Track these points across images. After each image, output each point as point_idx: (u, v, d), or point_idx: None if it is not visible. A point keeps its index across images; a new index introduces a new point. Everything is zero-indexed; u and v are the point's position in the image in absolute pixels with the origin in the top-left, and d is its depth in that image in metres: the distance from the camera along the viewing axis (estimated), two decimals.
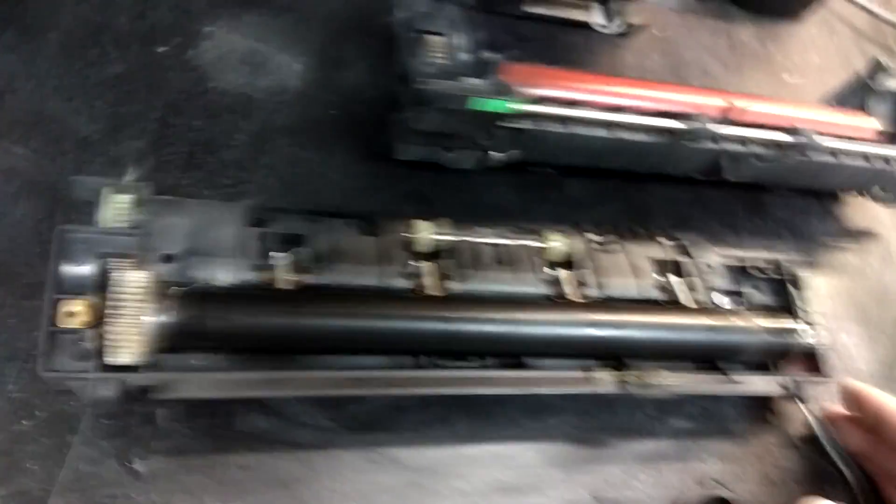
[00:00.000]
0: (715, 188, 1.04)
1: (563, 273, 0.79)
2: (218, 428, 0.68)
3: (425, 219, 0.77)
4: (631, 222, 0.93)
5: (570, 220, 0.90)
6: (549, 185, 0.96)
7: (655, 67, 1.16)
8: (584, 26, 1.14)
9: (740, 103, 0.94)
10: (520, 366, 0.75)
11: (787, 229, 1.07)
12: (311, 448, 0.70)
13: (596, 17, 1.16)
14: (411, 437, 0.74)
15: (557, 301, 0.77)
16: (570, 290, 0.78)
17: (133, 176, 0.77)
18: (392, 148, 0.85)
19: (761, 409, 0.88)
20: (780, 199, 1.08)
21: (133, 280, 0.60)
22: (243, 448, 0.68)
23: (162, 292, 0.62)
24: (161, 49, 0.86)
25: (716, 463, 0.83)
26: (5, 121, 0.76)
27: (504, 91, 0.73)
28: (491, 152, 0.84)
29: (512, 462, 0.76)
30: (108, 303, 0.61)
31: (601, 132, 0.84)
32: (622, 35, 1.16)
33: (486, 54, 0.77)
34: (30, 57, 0.81)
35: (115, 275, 0.60)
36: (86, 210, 0.72)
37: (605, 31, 1.14)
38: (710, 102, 0.94)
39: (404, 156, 0.84)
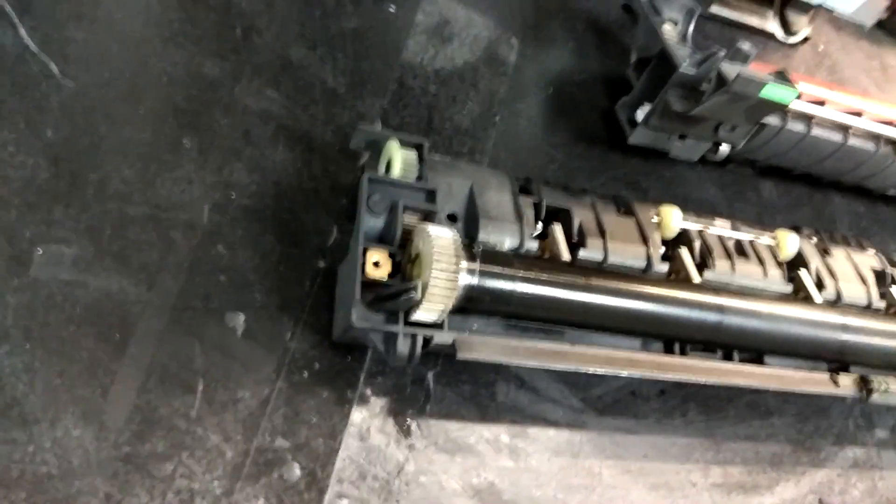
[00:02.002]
0: (889, 204, 1.05)
1: (803, 273, 0.78)
2: (482, 397, 0.66)
3: (671, 205, 0.76)
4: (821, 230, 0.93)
5: (768, 221, 0.90)
6: (748, 184, 0.95)
7: (822, 80, 1.16)
8: (760, 33, 1.14)
9: None
10: (760, 362, 0.74)
11: None
12: (566, 427, 0.68)
13: (771, 26, 1.16)
14: (653, 427, 0.72)
15: (799, 300, 0.76)
16: (810, 291, 0.77)
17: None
18: (624, 131, 0.84)
19: None
20: None
21: (448, 243, 0.57)
22: (506, 419, 0.66)
23: (470, 254, 0.60)
24: (392, 8, 0.84)
25: None
26: (254, 62, 0.73)
27: (791, 83, 0.72)
28: (723, 146, 0.83)
29: (741, 459, 0.75)
30: (418, 258, 0.58)
31: (836, 136, 0.83)
32: (793, 45, 1.16)
33: (745, 45, 0.76)
34: None
35: (432, 237, 0.57)
36: (343, 160, 0.70)
37: (785, 39, 1.13)
38: None
39: (637, 140, 0.83)
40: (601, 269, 0.68)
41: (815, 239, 0.85)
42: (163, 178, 0.63)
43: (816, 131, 0.82)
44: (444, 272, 0.57)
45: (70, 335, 0.55)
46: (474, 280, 0.59)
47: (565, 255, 0.67)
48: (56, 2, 0.66)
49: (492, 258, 0.61)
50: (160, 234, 0.61)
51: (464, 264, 0.58)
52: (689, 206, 0.86)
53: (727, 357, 0.73)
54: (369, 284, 0.58)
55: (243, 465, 0.55)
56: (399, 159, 0.64)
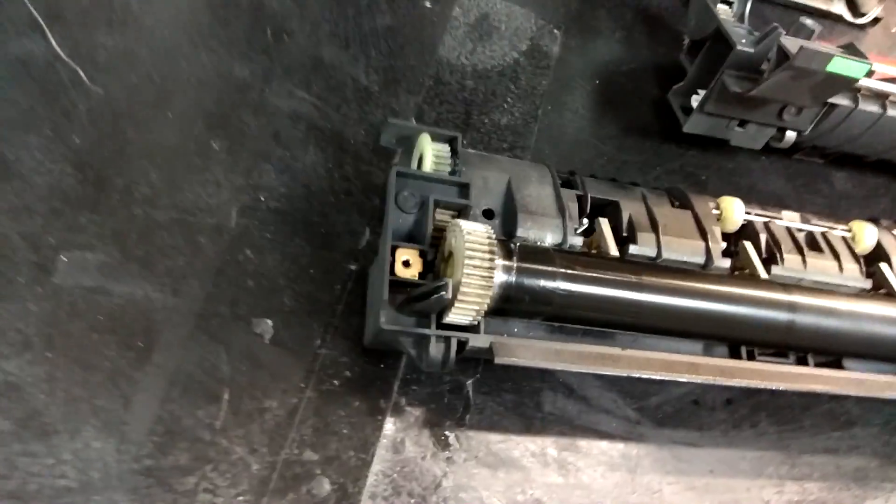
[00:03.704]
0: None
1: (884, 267, 0.70)
2: (527, 407, 0.61)
3: (732, 196, 0.70)
4: None
5: (842, 214, 0.82)
6: (818, 175, 0.88)
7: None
8: (825, 15, 1.06)
9: None
10: (839, 366, 0.67)
11: None
12: (621, 439, 0.63)
13: (836, 7, 1.08)
14: (719, 439, 0.66)
15: (880, 297, 0.69)
16: (893, 286, 0.70)
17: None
18: (666, 112, 0.78)
19: None
20: None
21: (481, 240, 0.53)
22: (554, 432, 0.61)
23: (506, 252, 0.55)
24: (428, 4, 0.81)
25: None
26: (284, 63, 0.71)
27: (861, 54, 0.65)
28: (789, 131, 0.76)
29: (820, 474, 0.67)
30: (450, 256, 0.54)
31: None
32: (863, 27, 1.08)
33: (808, 21, 0.70)
34: None
35: (463, 232, 0.53)
36: (376, 160, 0.67)
37: (854, 20, 1.05)
38: None
39: (692, 128, 0.77)
40: (654, 265, 0.63)
41: None
42: (190, 182, 0.62)
43: (893, 111, 0.74)
44: (478, 269, 0.52)
45: (92, 343, 0.53)
46: (511, 278, 0.54)
47: (613, 251, 0.62)
48: (86, 9, 0.66)
49: (530, 254, 0.57)
50: (187, 238, 0.59)
51: (499, 261, 0.54)
52: (754, 199, 0.80)
53: (801, 361, 0.66)
54: (399, 285, 0.54)
55: (270, 480, 0.52)
56: (430, 153, 0.60)
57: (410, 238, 0.57)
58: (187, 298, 0.57)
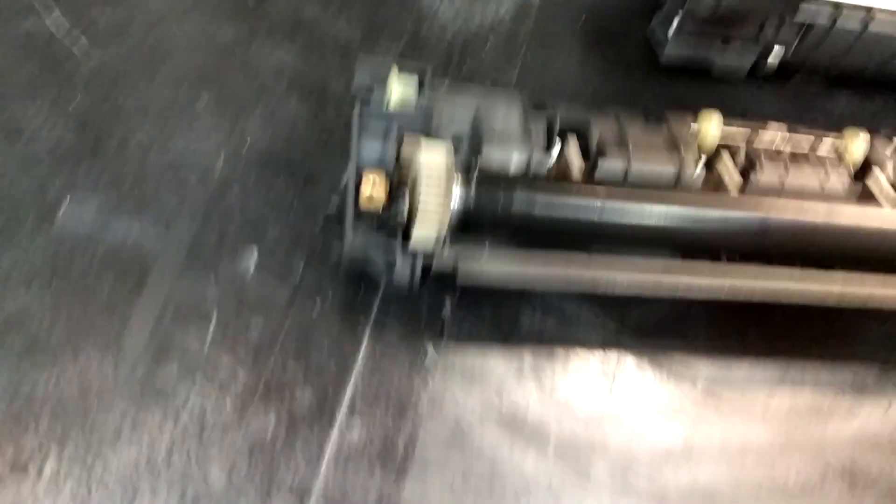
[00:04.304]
0: None
1: (876, 171, 0.69)
2: (504, 322, 0.63)
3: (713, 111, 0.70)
4: None
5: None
6: (818, 97, 0.86)
7: None
8: None
9: None
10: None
11: None
12: (599, 348, 0.64)
13: None
14: (703, 348, 0.66)
15: (870, 203, 0.67)
16: (883, 190, 0.68)
17: None
18: (656, 51, 0.79)
19: None
20: None
21: (439, 157, 0.56)
22: (532, 343, 0.63)
23: (465, 169, 0.58)
24: None
25: None
26: (267, 23, 0.76)
27: None
28: (774, 49, 0.76)
29: (813, 382, 0.67)
30: (411, 174, 0.57)
31: None
32: None
33: None
34: None
35: (422, 151, 0.56)
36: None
37: None
38: None
39: (671, 56, 0.77)
40: (630, 183, 0.63)
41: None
42: (180, 133, 0.67)
43: (878, 28, 0.73)
44: (434, 188, 0.55)
45: (92, 276, 0.58)
46: (471, 196, 0.57)
47: (579, 166, 0.63)
48: None
49: (491, 175, 0.59)
50: (177, 181, 0.64)
51: (457, 179, 0.57)
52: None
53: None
54: (368, 212, 0.57)
55: (255, 388, 0.56)
56: (396, 83, 0.63)
57: (379, 166, 0.60)
58: (178, 233, 0.62)
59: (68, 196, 0.61)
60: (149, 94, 0.68)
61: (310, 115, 0.71)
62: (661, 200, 0.61)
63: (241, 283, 0.60)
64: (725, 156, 0.67)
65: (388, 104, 0.61)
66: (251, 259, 0.62)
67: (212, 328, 0.58)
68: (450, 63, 0.78)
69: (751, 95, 0.85)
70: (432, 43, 0.79)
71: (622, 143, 0.65)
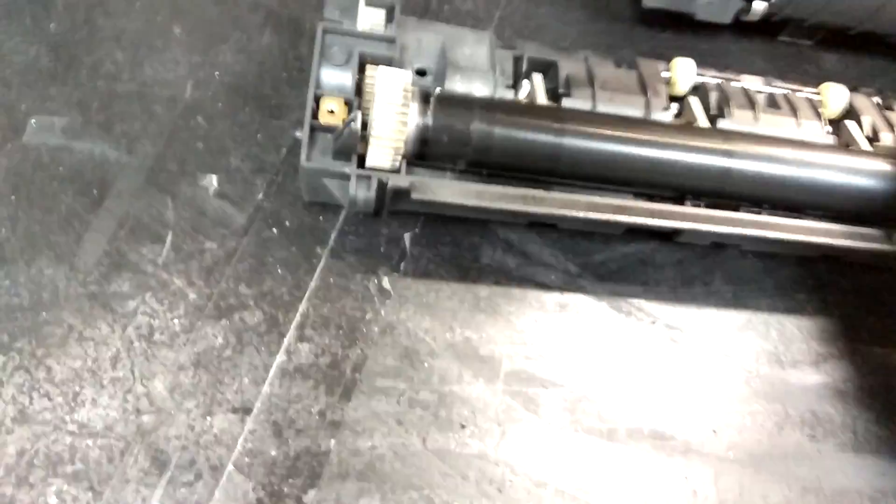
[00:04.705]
0: None
1: (850, 123, 0.68)
2: (464, 259, 0.63)
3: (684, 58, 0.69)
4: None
5: None
6: (805, 57, 0.85)
7: None
8: None
9: None
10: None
11: None
12: (558, 289, 0.63)
13: None
14: (665, 294, 0.65)
15: (849, 149, 0.66)
16: (857, 141, 0.67)
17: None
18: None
19: None
20: None
21: (394, 81, 0.56)
22: (489, 280, 0.62)
23: (423, 95, 0.58)
24: None
25: None
26: None
27: None
28: (756, 1, 0.74)
29: (780, 333, 0.66)
30: (371, 103, 0.57)
31: None
32: None
33: None
34: None
35: (377, 75, 0.56)
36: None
37: None
38: None
39: (653, 1, 0.76)
40: (574, 111, 0.63)
41: (877, 99, 0.73)
42: (151, 61, 0.67)
43: None
44: (390, 105, 0.55)
45: (52, 190, 0.59)
46: (427, 119, 0.57)
47: (542, 102, 0.62)
48: None
49: (448, 98, 0.59)
50: (143, 107, 0.64)
51: (414, 104, 0.56)
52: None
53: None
54: (325, 132, 0.57)
55: (204, 308, 0.56)
56: (363, 14, 0.63)
57: (344, 90, 0.60)
58: (140, 156, 0.62)
59: (35, 115, 0.62)
60: (123, 21, 0.69)
61: (282, 49, 0.71)
62: (619, 130, 0.60)
63: (199, 208, 0.61)
64: (694, 101, 0.66)
65: (348, 28, 0.61)
66: (211, 184, 0.62)
67: (165, 249, 0.58)
68: (428, 8, 0.77)
69: (737, 49, 0.83)
70: None
71: (590, 84, 0.64)
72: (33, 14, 0.67)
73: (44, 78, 0.64)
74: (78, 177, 0.60)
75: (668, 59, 0.72)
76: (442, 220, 0.64)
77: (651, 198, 0.63)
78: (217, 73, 0.68)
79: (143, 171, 0.61)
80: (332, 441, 0.53)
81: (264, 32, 0.71)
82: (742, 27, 0.82)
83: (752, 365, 0.63)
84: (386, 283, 0.60)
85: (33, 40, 0.66)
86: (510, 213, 0.59)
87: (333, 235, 0.62)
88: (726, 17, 0.76)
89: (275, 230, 0.61)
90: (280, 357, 0.56)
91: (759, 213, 0.64)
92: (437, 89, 0.59)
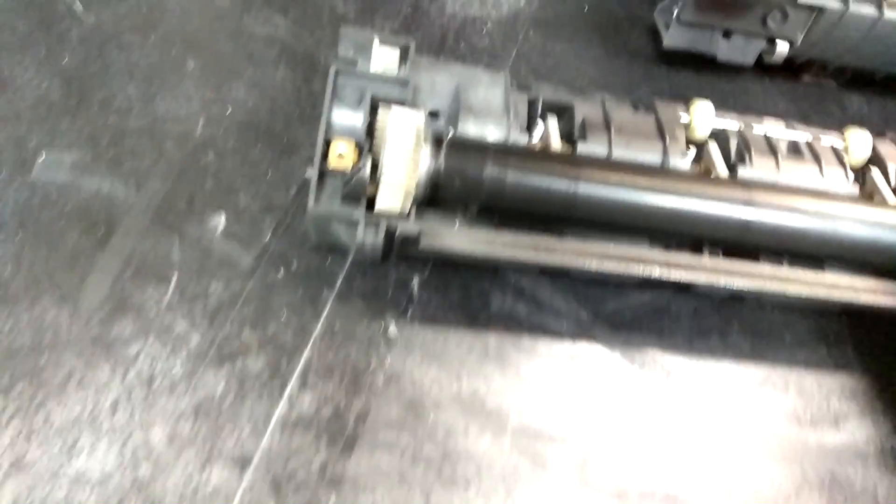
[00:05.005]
0: None
1: (875, 172, 0.66)
2: (473, 305, 0.61)
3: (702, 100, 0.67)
4: None
5: None
6: (829, 97, 0.83)
7: None
8: None
9: None
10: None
11: None
12: (569, 338, 0.62)
13: None
14: (681, 345, 0.63)
15: (857, 199, 0.64)
16: (882, 191, 0.65)
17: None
18: (660, 35, 0.76)
19: None
20: None
21: (407, 122, 0.55)
22: (499, 328, 0.61)
23: (435, 138, 0.56)
24: None
25: None
26: None
27: None
28: (779, 43, 0.73)
29: (799, 389, 0.63)
30: (382, 144, 0.56)
31: None
32: None
33: None
34: None
35: (390, 116, 0.55)
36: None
37: None
38: None
39: (673, 42, 0.75)
40: (589, 158, 0.61)
41: None
42: (164, 95, 0.67)
43: (890, 14, 0.69)
44: (401, 151, 0.54)
45: (58, 228, 0.58)
46: (440, 163, 0.56)
47: (557, 146, 0.61)
48: None
49: (461, 143, 0.58)
50: (154, 143, 0.64)
51: (426, 147, 0.55)
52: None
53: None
54: (336, 177, 0.56)
55: (207, 353, 0.55)
56: (377, 54, 0.62)
57: (349, 134, 0.59)
58: (148, 194, 0.61)
59: (45, 150, 0.61)
60: (137, 56, 0.68)
61: (295, 86, 0.70)
62: (635, 178, 0.59)
63: (206, 248, 0.60)
64: (714, 148, 0.64)
65: (361, 70, 0.60)
66: (218, 224, 0.61)
67: (170, 289, 0.57)
68: (444, 45, 0.76)
69: (759, 89, 0.82)
70: (428, 23, 0.77)
71: (606, 128, 0.63)
72: (49, 46, 0.67)
73: (55, 112, 0.64)
74: (85, 214, 0.59)
75: (688, 99, 0.71)
76: (452, 263, 0.62)
77: (667, 244, 0.62)
78: (230, 108, 0.67)
79: (150, 209, 0.61)
80: (333, 497, 0.51)
81: (278, 67, 0.71)
82: (765, 66, 0.80)
83: (770, 423, 0.61)
84: (393, 329, 0.59)
85: (46, 73, 0.66)
86: (521, 262, 0.58)
87: (340, 278, 0.61)
88: (749, 59, 0.74)
89: (281, 272, 0.60)
90: (282, 406, 0.54)
91: (780, 262, 0.62)
92: (450, 132, 0.58)
